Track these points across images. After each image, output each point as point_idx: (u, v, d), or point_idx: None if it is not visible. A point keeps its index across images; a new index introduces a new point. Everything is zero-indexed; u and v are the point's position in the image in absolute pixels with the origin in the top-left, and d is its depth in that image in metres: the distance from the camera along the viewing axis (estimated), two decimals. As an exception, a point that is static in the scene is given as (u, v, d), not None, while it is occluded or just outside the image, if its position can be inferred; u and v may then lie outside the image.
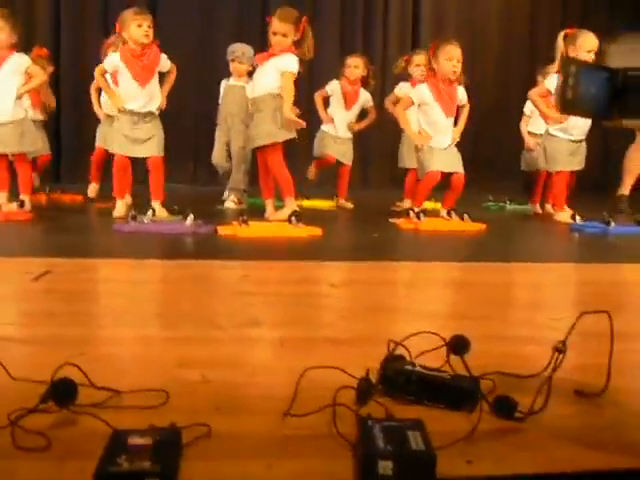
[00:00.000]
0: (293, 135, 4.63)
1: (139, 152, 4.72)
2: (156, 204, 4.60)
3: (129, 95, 4.63)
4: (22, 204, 4.68)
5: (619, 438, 1.23)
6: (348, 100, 6.07)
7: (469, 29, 9.02)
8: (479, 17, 9.15)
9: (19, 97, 4.73)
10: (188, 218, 4.06)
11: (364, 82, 6.04)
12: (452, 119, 4.89)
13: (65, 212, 5.29)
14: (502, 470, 1.08)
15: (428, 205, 5.16)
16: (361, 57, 6.13)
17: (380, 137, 7.85)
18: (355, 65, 5.94)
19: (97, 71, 4.72)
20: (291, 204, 4.62)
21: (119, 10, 4.88)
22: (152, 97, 4.70)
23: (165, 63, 4.77)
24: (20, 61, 4.70)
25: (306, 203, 6.01)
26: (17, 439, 1.11)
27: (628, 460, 1.14)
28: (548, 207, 5.64)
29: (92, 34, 7.94)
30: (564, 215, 5.08)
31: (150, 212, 4.24)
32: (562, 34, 4.96)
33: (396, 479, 1.02)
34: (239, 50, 5.66)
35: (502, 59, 9.06)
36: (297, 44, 4.62)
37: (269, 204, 4.80)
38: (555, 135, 5.10)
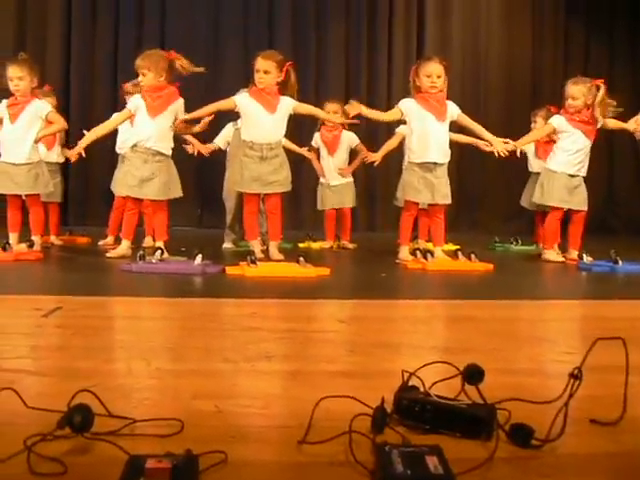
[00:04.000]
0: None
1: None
2: (160, 244, 4.63)
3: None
4: (32, 244, 4.72)
5: (636, 465, 1.22)
6: (330, 147, 6.22)
7: (473, 53, 9.14)
8: (482, 47, 9.23)
9: (36, 141, 4.84)
10: (197, 258, 4.07)
11: (344, 126, 6.05)
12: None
13: (74, 253, 5.31)
14: (521, 495, 1.08)
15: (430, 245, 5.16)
16: (338, 102, 6.11)
17: (384, 178, 7.91)
18: (334, 111, 5.92)
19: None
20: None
21: (128, 54, 4.96)
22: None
23: None
24: (41, 107, 4.84)
25: (312, 245, 6.06)
26: (33, 465, 1.11)
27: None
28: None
29: (101, 80, 8.10)
30: (552, 254, 5.12)
31: (158, 252, 4.25)
32: None
33: (416, 503, 1.01)
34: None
35: (505, 102, 9.13)
36: (281, 86, 4.76)
37: (272, 246, 4.85)
38: (553, 170, 5.15)
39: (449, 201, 4.92)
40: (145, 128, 4.74)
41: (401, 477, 1.03)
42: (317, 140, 6.27)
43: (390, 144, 5.87)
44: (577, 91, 5.06)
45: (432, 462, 1.08)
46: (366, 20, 8.89)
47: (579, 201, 5.18)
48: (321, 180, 6.32)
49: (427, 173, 4.80)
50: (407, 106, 4.84)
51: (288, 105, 4.77)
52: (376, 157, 5.86)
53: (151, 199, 4.82)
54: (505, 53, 9.27)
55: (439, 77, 4.78)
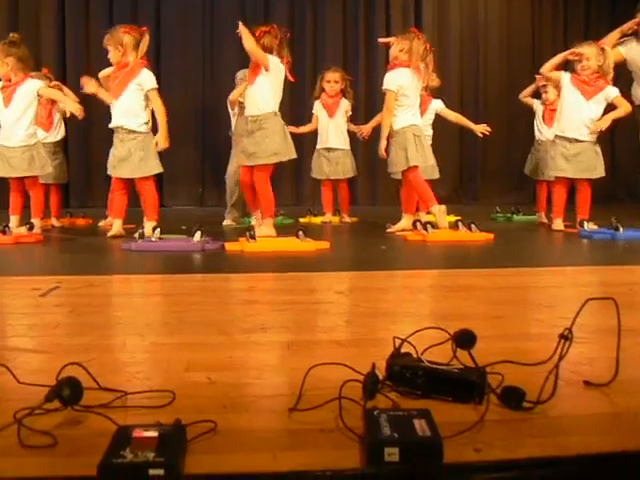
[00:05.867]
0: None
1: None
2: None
3: None
4: (31, 227, 4.72)
5: (628, 423, 1.22)
6: (329, 110, 6.26)
7: (472, 40, 9.08)
8: (481, 28, 9.17)
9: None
10: (196, 235, 4.07)
11: (343, 93, 6.27)
12: None
13: (74, 234, 5.31)
14: (511, 456, 1.07)
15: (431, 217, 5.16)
16: (339, 71, 6.31)
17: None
18: (335, 80, 6.17)
19: None
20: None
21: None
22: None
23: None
24: (30, 85, 4.84)
25: (313, 220, 6.06)
26: (23, 438, 1.11)
27: (638, 442, 1.12)
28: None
29: (97, 58, 8.03)
30: (559, 223, 5.12)
31: (157, 230, 4.24)
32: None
33: (402, 465, 1.01)
34: (243, 74, 5.75)
35: (506, 70, 9.07)
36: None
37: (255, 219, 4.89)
38: (555, 140, 5.12)
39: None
40: (113, 109, 4.80)
41: (388, 440, 1.02)
42: (317, 108, 6.31)
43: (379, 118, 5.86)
44: (590, 52, 5.02)
45: (420, 425, 1.08)
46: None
47: (583, 168, 5.11)
48: (318, 147, 6.32)
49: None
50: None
51: (262, 79, 4.66)
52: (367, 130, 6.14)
53: (131, 178, 4.82)
54: (505, 31, 9.25)
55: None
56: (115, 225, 4.83)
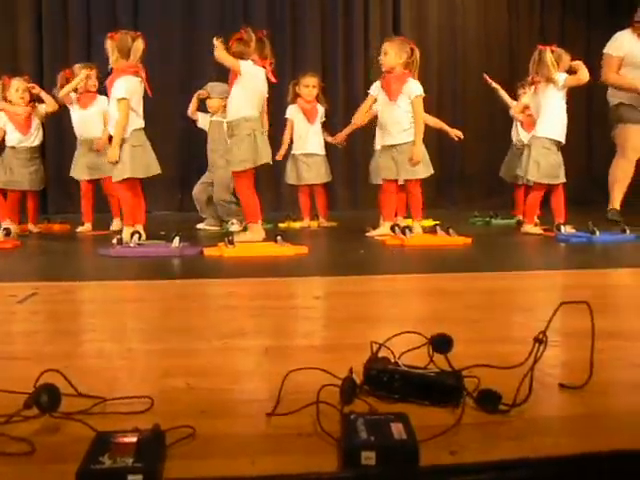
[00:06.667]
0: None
1: None
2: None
3: None
4: (8, 232, 4.69)
5: (602, 424, 1.24)
6: (309, 116, 6.25)
7: (450, 38, 9.13)
8: (459, 27, 9.22)
9: None
10: (174, 240, 4.06)
11: (317, 99, 6.28)
12: None
13: (52, 240, 5.29)
14: (486, 458, 1.08)
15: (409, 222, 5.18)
16: (316, 76, 6.34)
17: (365, 156, 7.89)
18: (313, 85, 6.18)
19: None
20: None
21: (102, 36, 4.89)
22: None
23: None
24: None
25: (292, 225, 6.07)
26: (1, 446, 1.11)
27: (613, 443, 1.14)
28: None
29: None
30: (530, 227, 5.18)
31: (136, 236, 4.23)
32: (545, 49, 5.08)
33: (379, 469, 1.02)
34: (208, 86, 5.92)
35: (485, 68, 9.12)
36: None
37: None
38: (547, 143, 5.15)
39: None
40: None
41: (364, 444, 1.03)
42: (292, 112, 6.27)
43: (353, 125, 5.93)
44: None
45: (397, 429, 1.09)
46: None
47: (563, 173, 5.17)
48: (293, 152, 6.28)
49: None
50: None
51: (236, 85, 4.67)
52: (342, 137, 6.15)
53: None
54: (482, 27, 9.26)
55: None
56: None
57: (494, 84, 6.43)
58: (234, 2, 8.68)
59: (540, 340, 1.29)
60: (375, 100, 5.24)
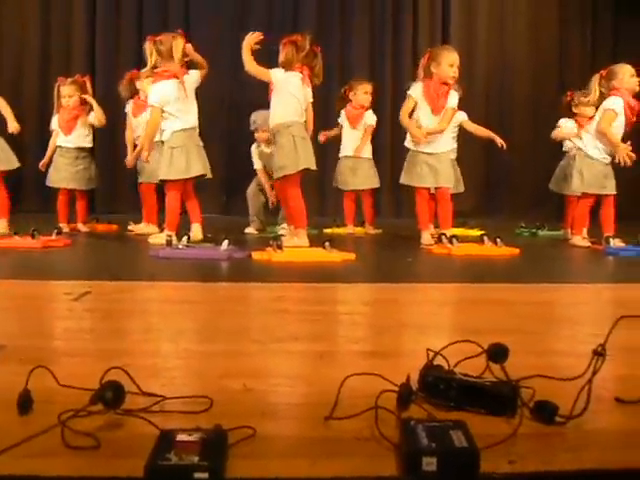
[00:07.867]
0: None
1: None
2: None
3: None
4: (59, 231, 4.77)
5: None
6: (352, 122, 6.30)
7: (499, 40, 9.06)
8: (509, 28, 9.14)
9: None
10: (223, 243, 4.10)
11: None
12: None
13: (101, 239, 5.38)
14: (545, 468, 1.09)
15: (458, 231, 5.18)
16: (370, 83, 6.36)
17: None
18: (367, 91, 6.20)
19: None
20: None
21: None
22: None
23: None
24: None
25: (337, 231, 6.09)
26: (68, 440, 1.14)
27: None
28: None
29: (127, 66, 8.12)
30: (578, 239, 5.11)
31: (185, 238, 4.28)
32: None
33: (440, 475, 1.03)
34: (260, 119, 5.79)
35: (532, 86, 9.03)
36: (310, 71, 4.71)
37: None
38: (591, 157, 5.09)
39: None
40: None
41: (426, 450, 1.04)
42: (342, 119, 6.35)
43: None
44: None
45: (457, 436, 1.10)
46: (391, 6, 8.86)
47: (613, 185, 5.11)
48: (340, 154, 6.34)
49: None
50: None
51: (273, 93, 4.69)
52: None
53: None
54: (532, 35, 9.16)
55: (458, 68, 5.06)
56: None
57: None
58: (284, 6, 8.74)
59: (599, 353, 1.29)
60: (416, 103, 5.18)
